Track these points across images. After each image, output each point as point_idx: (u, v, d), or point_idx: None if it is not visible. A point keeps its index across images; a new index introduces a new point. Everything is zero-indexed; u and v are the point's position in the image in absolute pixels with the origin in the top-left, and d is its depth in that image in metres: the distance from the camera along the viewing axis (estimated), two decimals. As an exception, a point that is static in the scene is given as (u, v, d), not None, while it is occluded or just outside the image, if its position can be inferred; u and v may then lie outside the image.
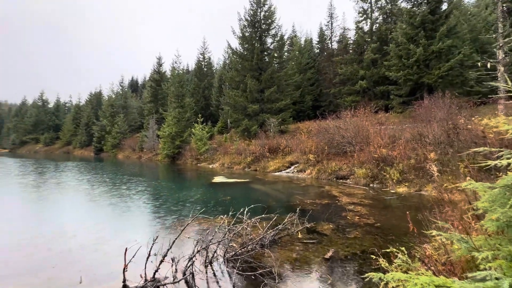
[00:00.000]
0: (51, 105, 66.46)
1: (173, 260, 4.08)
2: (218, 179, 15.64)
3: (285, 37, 29.62)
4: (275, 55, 28.24)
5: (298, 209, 6.56)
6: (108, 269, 4.38)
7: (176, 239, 3.97)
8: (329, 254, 4.85)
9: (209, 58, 43.96)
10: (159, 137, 31.98)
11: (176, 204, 9.18)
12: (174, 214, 7.79)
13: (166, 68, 45.82)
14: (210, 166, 23.33)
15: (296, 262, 4.58)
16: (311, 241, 5.52)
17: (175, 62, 37.47)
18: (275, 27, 27.85)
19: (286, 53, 33.52)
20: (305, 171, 16.29)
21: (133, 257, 3.60)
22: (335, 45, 35.87)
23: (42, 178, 16.59)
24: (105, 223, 7.24)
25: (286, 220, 5.93)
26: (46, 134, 59.76)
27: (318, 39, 39.74)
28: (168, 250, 3.76)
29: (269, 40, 28.36)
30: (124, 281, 3.48)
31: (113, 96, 50.44)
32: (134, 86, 69.58)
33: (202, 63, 42.87)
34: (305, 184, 13.32)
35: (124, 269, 3.45)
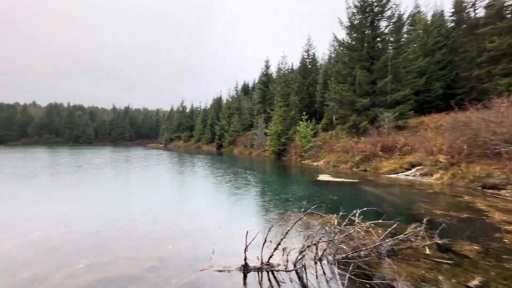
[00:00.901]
0: (187, 110, 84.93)
1: (284, 250, 4.34)
2: (323, 177, 15.30)
3: (404, 16, 25.08)
4: (391, 39, 24.48)
5: (425, 220, 5.49)
6: (231, 246, 5.17)
7: (289, 230, 4.20)
8: (475, 282, 3.80)
9: (313, 55, 43.43)
10: (267, 135, 34.57)
11: (282, 198, 9.69)
12: (281, 207, 8.25)
13: (273, 70, 48.81)
14: (314, 164, 23.11)
15: (424, 282, 3.86)
16: (445, 260, 4.50)
17: (281, 63, 39.31)
18: (390, 7, 24.13)
19: (405, 35, 28.41)
20: (431, 175, 13.40)
21: (253, 240, 4.08)
22: (480, 13, 27.23)
23: (182, 167, 21.48)
24: (225, 208, 8.58)
25: (408, 230, 5.10)
26: (184, 133, 76.93)
27: (453, 10, 31.39)
28: (281, 239, 4.04)
29: (383, 24, 24.85)
30: (245, 259, 4.01)
31: (230, 99, 58.75)
32: (245, 89, 78.21)
33: (307, 60, 42.88)
34: (432, 190, 10.96)
35: (245, 249, 3.98)
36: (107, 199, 9.98)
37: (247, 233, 3.99)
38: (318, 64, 44.79)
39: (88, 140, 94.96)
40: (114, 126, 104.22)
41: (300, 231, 5.59)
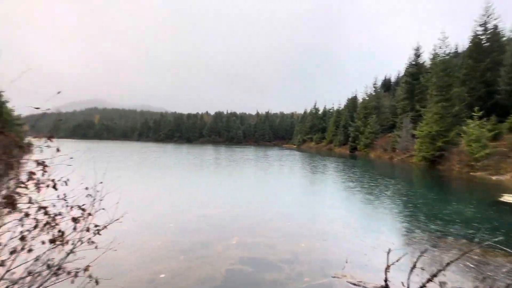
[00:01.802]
0: (320, 112, 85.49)
1: (442, 285, 3.42)
2: (510, 198, 10.75)
3: None
4: None
5: None
6: (367, 259, 4.69)
7: (452, 262, 3.27)
8: None
9: (495, 27, 31.29)
10: (415, 137, 28.62)
11: (439, 217, 7.66)
12: (437, 229, 6.54)
13: (425, 58, 39.67)
14: (493, 178, 16.69)
15: None
16: None
17: (439, 47, 31.20)
18: None
19: None
20: None
21: (397, 261, 3.50)
22: None
23: (315, 168, 21.80)
24: (362, 217, 7.85)
25: None
26: (316, 135, 77.99)
27: None
28: (439, 271, 3.21)
29: None
30: (386, 280, 3.51)
31: (367, 98, 53.42)
32: (386, 85, 68.54)
33: (482, 37, 31.57)
34: None
35: (386, 268, 3.49)
36: (254, 191, 11.80)
37: (389, 251, 3.47)
38: (504, 39, 31.79)
39: (238, 140, 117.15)
40: (257, 128, 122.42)
41: (471, 267, 4.21)
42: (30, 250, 2.55)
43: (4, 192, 2.16)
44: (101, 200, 2.94)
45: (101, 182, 2.82)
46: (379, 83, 61.99)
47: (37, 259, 2.59)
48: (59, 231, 2.68)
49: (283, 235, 6.00)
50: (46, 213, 2.36)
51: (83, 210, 2.81)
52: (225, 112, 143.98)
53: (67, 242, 2.75)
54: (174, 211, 7.78)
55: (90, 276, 2.66)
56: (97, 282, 2.59)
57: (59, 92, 2.49)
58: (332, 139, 67.48)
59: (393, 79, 71.71)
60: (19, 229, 2.50)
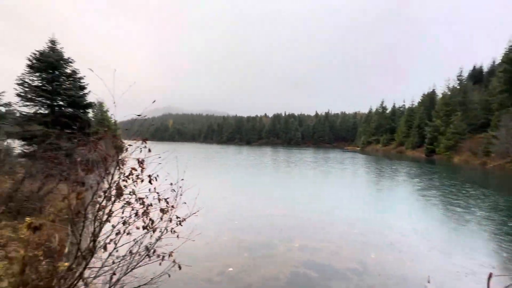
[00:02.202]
0: (388, 110, 77.22)
1: None
2: None
3: None
4: None
5: None
6: (458, 282, 4.00)
7: None
8: None
9: None
10: (519, 138, 23.00)
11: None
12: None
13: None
14: None
15: None
16: None
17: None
18: None
19: None
20: None
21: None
22: None
23: (386, 173, 19.79)
24: (443, 231, 6.74)
25: None
26: (384, 136, 70.68)
27: None
28: None
29: None
30: (484, 310, 2.92)
31: (448, 93, 45.69)
32: (476, 76, 57.28)
33: None
34: None
35: (484, 296, 2.90)
36: (315, 194, 11.49)
37: (490, 276, 2.89)
38: None
39: (296, 142, 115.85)
40: (316, 130, 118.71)
41: None
42: (129, 233, 3.08)
43: (114, 184, 2.67)
44: (181, 194, 3.34)
45: (182, 179, 3.20)
46: (465, 75, 52.44)
47: (135, 241, 3.11)
48: (150, 219, 3.15)
49: (348, 242, 5.64)
50: (142, 204, 2.82)
51: (167, 202, 3.24)
52: (283, 114, 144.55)
53: (155, 230, 3.20)
54: (238, 209, 8.20)
55: (174, 262, 3.05)
56: (180, 267, 2.94)
57: (154, 101, 2.93)
58: (403, 141, 60.21)
59: (485, 69, 59.51)
60: (122, 215, 3.04)
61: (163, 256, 3.08)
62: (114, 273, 2.72)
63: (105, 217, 2.74)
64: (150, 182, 2.75)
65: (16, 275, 3.03)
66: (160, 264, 3.09)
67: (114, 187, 2.71)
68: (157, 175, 2.83)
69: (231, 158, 32.11)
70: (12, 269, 3.34)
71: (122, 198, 2.76)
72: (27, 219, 3.52)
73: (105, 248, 2.73)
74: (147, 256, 3.05)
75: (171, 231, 3.21)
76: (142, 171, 2.69)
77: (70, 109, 14.91)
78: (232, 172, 18.38)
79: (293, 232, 6.21)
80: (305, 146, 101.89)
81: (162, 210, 2.99)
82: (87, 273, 2.89)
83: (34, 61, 13.58)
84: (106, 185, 2.87)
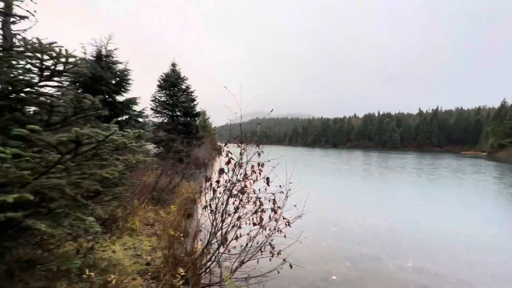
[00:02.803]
0: (534, 103, 56.92)
1: None
2: None
3: None
4: None
5: None
6: None
7: None
8: None
9: None
10: None
11: None
12: None
13: None
14: None
15: None
16: None
17: None
18: None
19: None
20: None
21: None
22: None
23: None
24: None
25: None
26: (527, 137, 52.50)
27: None
28: None
29: None
30: None
31: None
32: None
33: None
34: None
35: None
36: (427, 208, 9.75)
37: None
38: None
39: (394, 145, 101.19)
40: (419, 130, 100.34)
41: None
42: (240, 227, 3.46)
43: (237, 182, 3.08)
44: (287, 196, 3.50)
45: (291, 182, 3.36)
46: None
47: (249, 236, 3.47)
48: (261, 217, 3.44)
49: (482, 274, 4.49)
50: (259, 202, 3.14)
51: (274, 203, 3.46)
52: (376, 114, 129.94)
53: (265, 228, 3.48)
54: (334, 215, 7.87)
55: (284, 260, 3.23)
56: (291, 266, 3.10)
57: (271, 110, 3.21)
58: None
59: None
60: (238, 211, 3.44)
61: (272, 254, 3.32)
62: (242, 261, 3.13)
63: (228, 211, 3.20)
64: (267, 183, 3.02)
65: (166, 249, 3.92)
66: (270, 259, 3.34)
67: (235, 185, 3.14)
68: (267, 177, 3.08)
69: (318, 160, 31.25)
70: (161, 244, 4.34)
71: (240, 196, 3.16)
72: (172, 206, 4.57)
73: (225, 239, 3.14)
74: (259, 251, 3.35)
75: (278, 231, 3.42)
76: (260, 173, 3.01)
77: (184, 118, 18.13)
78: (323, 176, 17.84)
79: (402, 248, 5.45)
80: (405, 149, 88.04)
81: (273, 210, 3.23)
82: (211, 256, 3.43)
83: (161, 82, 17.29)
84: (224, 183, 3.35)
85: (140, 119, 10.36)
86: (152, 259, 3.66)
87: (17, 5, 2.76)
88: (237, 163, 3.31)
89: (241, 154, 3.36)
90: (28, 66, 2.67)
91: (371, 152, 64.26)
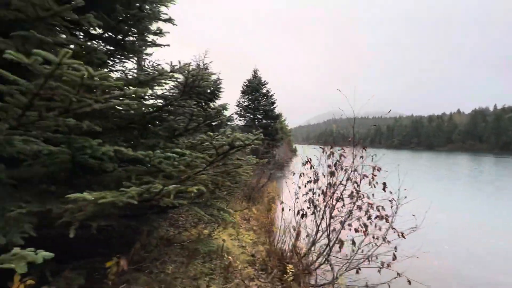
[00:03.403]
0: None
1: None
2: None
3: None
4: None
5: None
6: None
7: None
8: None
9: None
10: None
11: None
12: None
13: None
14: None
15: None
16: None
17: None
18: None
19: None
20: None
21: None
22: None
23: None
24: None
25: None
26: None
27: None
28: None
29: None
30: None
31: None
32: None
33: None
34: None
35: None
36: None
37: None
38: None
39: (520, 147, 77.74)
40: None
41: None
42: (339, 229, 3.33)
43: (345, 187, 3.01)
44: (397, 205, 3.18)
45: (405, 189, 3.04)
46: None
47: (352, 242, 3.32)
48: (364, 224, 3.25)
49: None
50: (369, 208, 2.98)
51: (378, 211, 3.20)
52: (491, 108, 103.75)
53: (367, 235, 3.26)
54: (447, 231, 6.65)
55: (398, 274, 2.95)
56: (409, 282, 2.80)
57: (389, 111, 3.03)
58: None
59: None
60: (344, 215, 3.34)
61: (382, 264, 3.08)
62: (346, 267, 3.06)
63: (335, 215, 3.16)
64: (384, 189, 2.84)
65: (267, 244, 4.20)
66: (378, 271, 3.11)
67: (340, 189, 3.08)
68: (384, 183, 2.87)
69: (415, 164, 27.12)
70: (261, 239, 4.67)
71: (349, 201, 3.07)
72: (273, 205, 4.90)
73: (341, 242, 3.07)
74: (367, 259, 3.17)
75: (387, 242, 3.15)
76: (373, 178, 2.85)
77: (264, 121, 18.98)
78: (427, 183, 15.40)
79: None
80: (541, 154, 66.71)
81: (384, 218, 3.00)
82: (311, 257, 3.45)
83: (244, 88, 18.63)
84: (327, 186, 3.32)
85: (229, 123, 11.42)
86: (256, 252, 3.97)
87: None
88: (338, 165, 3.24)
89: (338, 157, 3.26)
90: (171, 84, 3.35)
91: (484, 156, 51.37)
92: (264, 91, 18.58)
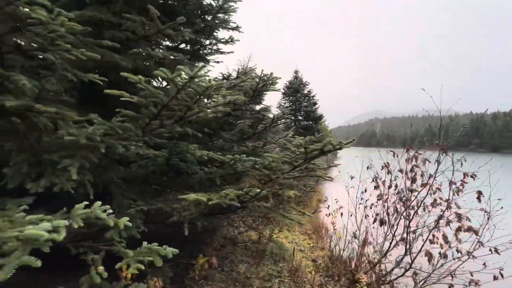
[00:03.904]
0: None
1: None
2: None
3: None
4: None
5: None
6: None
7: None
8: None
9: None
10: None
11: None
12: None
13: None
14: None
15: None
16: None
17: None
18: None
19: None
20: None
21: None
22: None
23: None
24: None
25: None
26: None
27: None
28: None
29: None
30: None
31: None
32: None
33: None
34: None
35: None
36: None
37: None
38: None
39: None
40: None
41: None
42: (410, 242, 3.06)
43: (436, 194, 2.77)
44: (489, 217, 2.82)
45: (500, 199, 2.68)
46: None
47: (430, 254, 3.03)
48: (444, 235, 2.94)
49: None
50: (457, 219, 2.70)
51: (462, 220, 2.86)
52: None
53: (450, 248, 2.94)
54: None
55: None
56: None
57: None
58: None
59: None
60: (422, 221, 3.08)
61: (470, 283, 2.75)
62: (424, 281, 2.81)
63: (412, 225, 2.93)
64: (478, 198, 2.55)
65: (325, 249, 4.09)
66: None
67: (425, 197, 2.83)
68: (479, 191, 2.55)
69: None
70: (319, 244, 4.57)
71: (431, 209, 2.82)
72: (320, 207, 4.80)
73: (430, 255, 2.83)
74: (449, 275, 2.87)
75: (472, 257, 2.81)
76: (463, 186, 2.57)
77: (305, 122, 18.61)
78: None
79: None
80: None
81: (473, 231, 2.67)
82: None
83: (285, 89, 18.53)
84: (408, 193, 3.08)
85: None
86: (316, 257, 3.89)
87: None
88: (414, 170, 2.99)
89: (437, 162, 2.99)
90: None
91: None
92: (305, 91, 18.25)
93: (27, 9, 1.05)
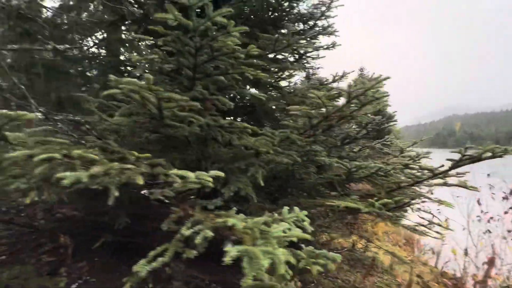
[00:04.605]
0: None
1: None
2: None
3: None
4: None
5: None
6: None
7: None
8: None
9: None
10: None
11: None
12: None
13: None
14: None
15: None
16: None
17: None
18: None
19: None
20: None
21: None
22: None
23: None
24: None
25: None
26: None
27: None
28: None
29: None
30: None
31: None
32: None
33: None
34: None
35: None
36: None
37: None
38: None
39: None
40: None
41: None
42: None
43: None
44: None
45: None
46: None
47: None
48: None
49: None
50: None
51: None
52: None
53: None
54: None
55: None
56: None
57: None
58: None
59: None
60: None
61: None
62: None
63: None
64: None
65: (427, 264, 3.67)
66: None
67: None
68: None
69: None
70: (414, 257, 4.15)
71: None
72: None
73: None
74: None
75: None
76: None
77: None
78: None
79: None
80: None
81: None
82: None
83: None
84: None
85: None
86: (420, 272, 3.53)
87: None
88: None
89: None
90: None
91: None
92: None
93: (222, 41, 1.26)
